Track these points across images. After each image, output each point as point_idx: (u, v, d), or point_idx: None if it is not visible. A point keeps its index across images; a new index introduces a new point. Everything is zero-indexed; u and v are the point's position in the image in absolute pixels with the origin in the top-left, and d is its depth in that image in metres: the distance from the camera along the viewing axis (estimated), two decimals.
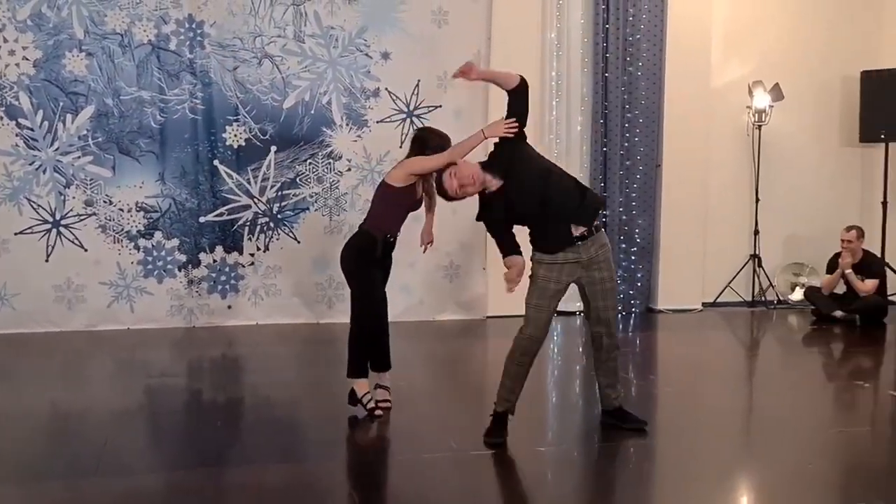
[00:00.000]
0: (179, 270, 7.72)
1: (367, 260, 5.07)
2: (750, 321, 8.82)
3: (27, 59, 7.24)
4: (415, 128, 5.17)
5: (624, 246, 8.75)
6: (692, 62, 8.79)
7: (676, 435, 5.04)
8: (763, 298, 9.27)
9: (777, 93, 8.97)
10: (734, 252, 9.23)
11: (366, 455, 4.78)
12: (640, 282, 8.83)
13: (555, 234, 4.62)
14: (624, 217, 8.75)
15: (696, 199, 8.94)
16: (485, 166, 4.65)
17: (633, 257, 8.79)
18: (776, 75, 8.99)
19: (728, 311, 9.06)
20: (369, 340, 5.15)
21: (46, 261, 7.41)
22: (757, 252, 9.24)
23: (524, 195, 4.58)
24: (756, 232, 9.23)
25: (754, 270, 9.26)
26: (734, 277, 9.19)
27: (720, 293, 9.14)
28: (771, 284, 9.29)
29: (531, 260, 4.74)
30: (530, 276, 4.75)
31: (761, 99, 9.01)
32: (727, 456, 4.73)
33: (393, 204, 5.05)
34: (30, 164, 7.33)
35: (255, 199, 7.82)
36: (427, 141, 5.07)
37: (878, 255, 8.89)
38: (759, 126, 9.10)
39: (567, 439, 5.04)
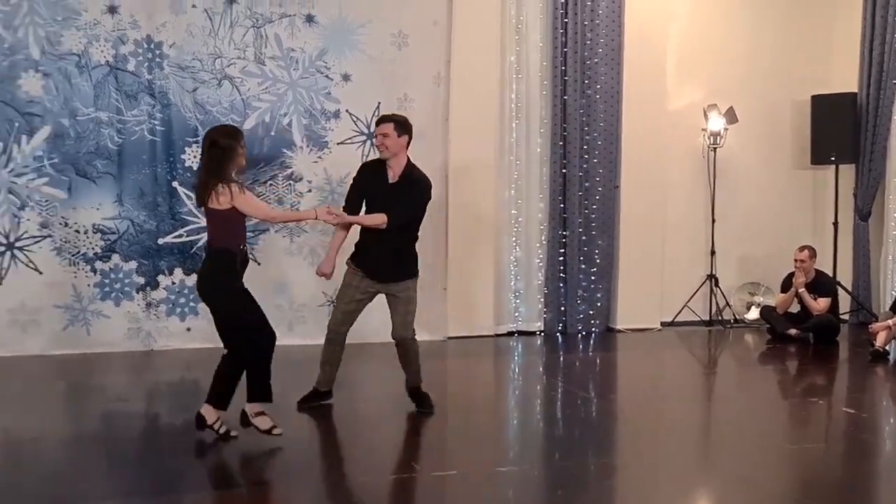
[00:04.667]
0: (137, 293, 7.62)
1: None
2: (707, 340, 8.94)
3: None
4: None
5: (584, 266, 8.83)
6: (649, 85, 8.93)
7: (637, 453, 5.09)
8: (720, 317, 9.39)
9: (731, 116, 9.15)
10: (691, 272, 9.36)
11: (328, 477, 4.75)
12: (600, 301, 8.90)
13: None
14: (583, 238, 8.83)
15: (654, 219, 9.06)
16: None
17: (592, 277, 8.86)
18: (730, 99, 9.17)
19: (686, 330, 9.17)
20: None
21: (0, 284, 7.27)
22: (713, 272, 9.38)
23: None
24: (713, 252, 9.37)
25: (711, 290, 9.39)
26: (692, 297, 9.31)
27: (678, 313, 9.25)
28: (727, 304, 9.43)
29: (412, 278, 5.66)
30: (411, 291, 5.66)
31: (716, 122, 9.18)
32: (686, 473, 4.79)
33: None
34: None
35: None
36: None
37: (830, 275, 9.08)
38: (715, 148, 9.27)
39: (528, 459, 5.05)
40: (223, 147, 4.91)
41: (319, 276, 5.77)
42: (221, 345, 7.80)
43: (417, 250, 8.04)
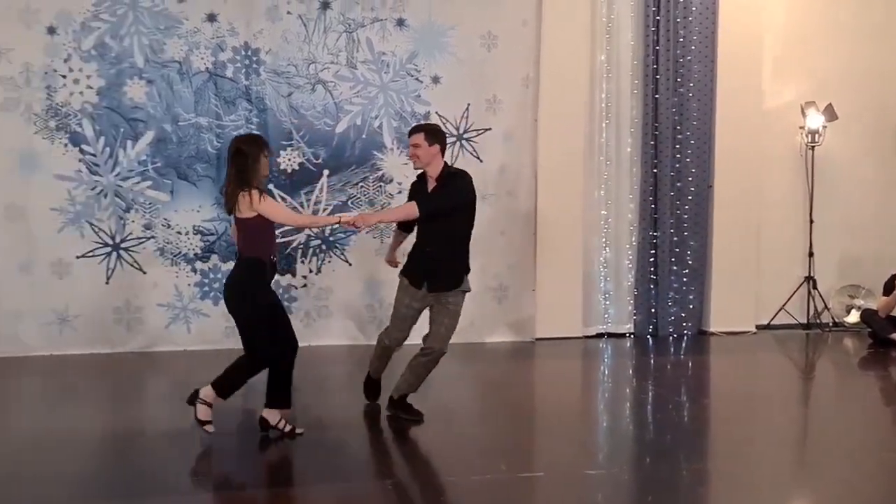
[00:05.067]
0: None
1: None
2: (805, 344, 8.69)
3: (90, 88, 7.48)
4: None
5: (675, 268, 8.70)
6: (744, 83, 8.73)
7: (730, 459, 5.00)
8: (818, 321, 9.12)
9: (830, 113, 8.87)
10: (788, 274, 9.12)
11: (416, 476, 4.83)
12: (692, 304, 8.75)
13: None
14: (675, 238, 8.69)
15: (749, 220, 8.86)
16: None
17: (684, 279, 8.72)
18: (829, 95, 8.88)
19: (782, 333, 8.93)
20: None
21: (107, 283, 7.61)
22: (812, 274, 9.11)
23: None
24: (811, 254, 9.10)
25: (809, 292, 9.13)
26: (788, 299, 9.06)
27: (774, 315, 9.02)
28: (826, 307, 9.15)
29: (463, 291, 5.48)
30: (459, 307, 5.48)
31: (814, 119, 8.91)
32: (781, 480, 4.67)
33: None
34: (92, 189, 7.55)
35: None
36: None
37: None
38: (813, 147, 9.00)
39: (617, 462, 5.02)
40: (247, 154, 5.00)
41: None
42: (312, 343, 8.06)
43: (505, 251, 8.18)
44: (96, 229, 7.57)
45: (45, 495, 4.32)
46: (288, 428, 5.19)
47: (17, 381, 6.87)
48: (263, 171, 5.11)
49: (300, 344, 7.79)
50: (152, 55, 7.58)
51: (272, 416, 5.24)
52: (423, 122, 7.91)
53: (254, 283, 5.08)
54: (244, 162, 4.99)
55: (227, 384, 5.16)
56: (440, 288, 5.39)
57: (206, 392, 5.12)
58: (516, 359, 7.91)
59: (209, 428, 5.11)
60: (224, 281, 5.43)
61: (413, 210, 5.33)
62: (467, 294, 5.51)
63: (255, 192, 4.97)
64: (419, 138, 5.39)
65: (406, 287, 5.51)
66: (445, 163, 5.50)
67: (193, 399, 5.14)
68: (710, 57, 8.66)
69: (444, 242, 5.39)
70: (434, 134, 5.45)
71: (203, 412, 5.10)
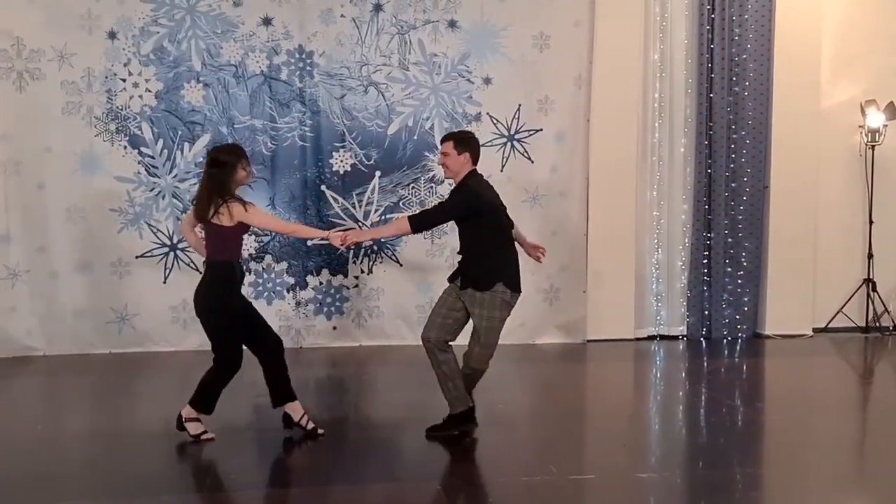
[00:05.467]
0: (288, 292, 7.97)
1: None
2: (863, 348, 8.50)
3: (149, 91, 7.65)
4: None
5: (730, 270, 8.58)
6: (801, 81, 8.58)
7: (785, 464, 4.92)
8: (878, 324, 8.92)
9: (891, 111, 8.66)
10: (846, 276, 8.92)
11: (465, 477, 4.84)
12: (747, 306, 8.62)
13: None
14: (729, 240, 8.58)
15: (806, 221, 8.70)
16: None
17: (738, 281, 8.60)
18: (891, 93, 8.68)
19: (840, 336, 8.75)
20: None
21: (164, 283, 7.77)
22: (871, 276, 8.91)
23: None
24: (870, 255, 8.90)
25: (868, 295, 8.93)
26: (846, 302, 8.88)
27: (832, 318, 8.84)
28: (886, 309, 8.94)
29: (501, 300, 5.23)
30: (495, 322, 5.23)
31: (875, 118, 8.72)
32: (837, 487, 4.59)
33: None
34: (150, 191, 7.72)
35: (360, 223, 8.02)
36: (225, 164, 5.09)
37: None
38: (873, 146, 8.80)
39: (669, 466, 4.98)
40: (224, 163, 5.05)
41: None
42: (363, 343, 8.12)
43: (556, 252, 8.13)
44: (154, 230, 7.74)
45: (105, 492, 4.43)
46: (311, 426, 5.26)
47: (76, 378, 7.04)
48: (240, 181, 5.14)
49: (353, 344, 8.01)
50: (209, 59, 7.72)
51: (295, 411, 5.30)
52: (471, 124, 7.95)
53: (224, 286, 5.11)
54: (221, 171, 5.04)
55: (203, 398, 5.19)
56: (465, 283, 5.24)
57: (188, 411, 5.19)
58: (567, 360, 7.88)
59: (207, 436, 5.16)
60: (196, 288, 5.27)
61: (405, 225, 5.25)
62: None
63: (238, 205, 5.01)
64: (448, 146, 5.27)
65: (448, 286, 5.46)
66: (473, 170, 5.29)
67: (181, 424, 5.20)
68: (767, 55, 8.52)
69: (469, 246, 5.27)
70: (464, 142, 5.27)
71: (194, 428, 5.17)
